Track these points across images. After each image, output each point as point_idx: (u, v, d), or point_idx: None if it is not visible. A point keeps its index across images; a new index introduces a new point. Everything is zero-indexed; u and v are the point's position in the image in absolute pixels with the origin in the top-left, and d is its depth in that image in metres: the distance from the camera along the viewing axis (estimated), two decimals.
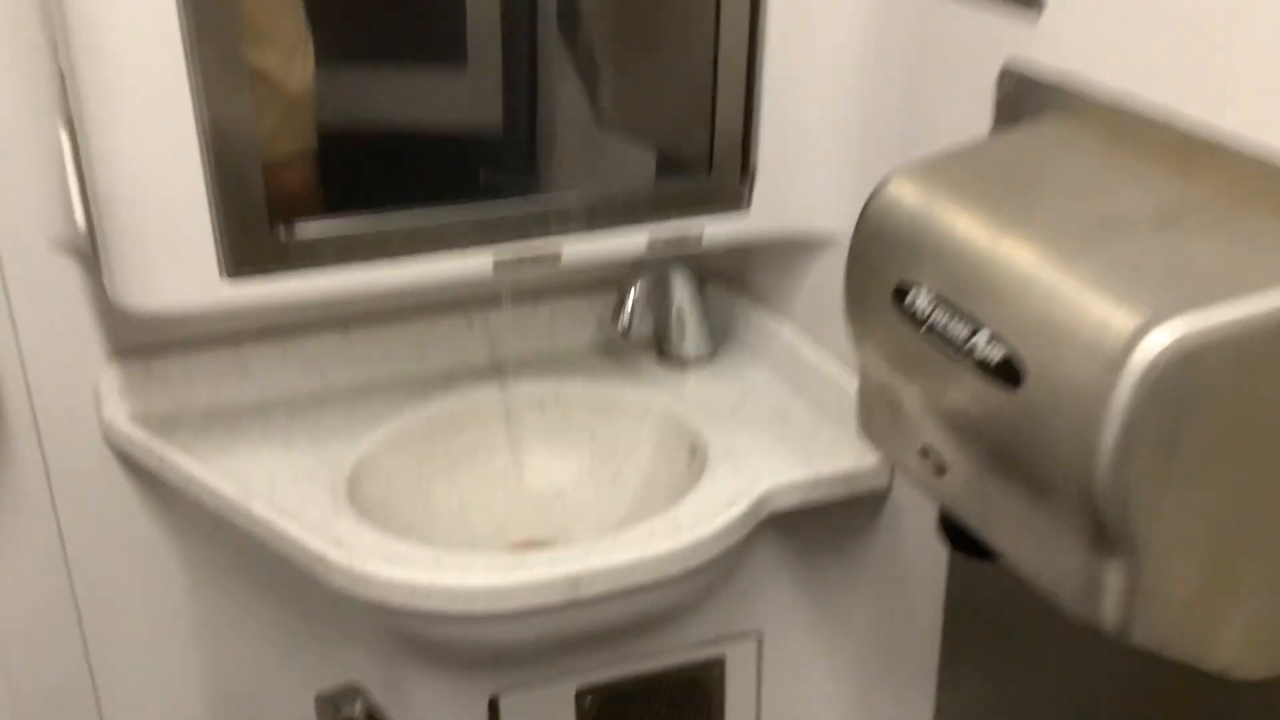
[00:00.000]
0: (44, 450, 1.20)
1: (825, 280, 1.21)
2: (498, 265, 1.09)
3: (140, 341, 1.20)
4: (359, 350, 1.27)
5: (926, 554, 1.13)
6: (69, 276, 1.16)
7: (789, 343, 1.26)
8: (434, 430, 1.25)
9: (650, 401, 1.28)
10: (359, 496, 1.14)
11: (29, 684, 1.25)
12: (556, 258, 1.11)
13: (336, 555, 1.02)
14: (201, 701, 1.33)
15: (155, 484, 1.21)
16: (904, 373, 0.84)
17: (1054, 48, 0.88)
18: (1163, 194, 0.78)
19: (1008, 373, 0.72)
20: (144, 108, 0.96)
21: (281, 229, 1.02)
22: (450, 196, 1.08)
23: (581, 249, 1.12)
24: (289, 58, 1.04)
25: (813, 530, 1.24)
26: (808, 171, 1.14)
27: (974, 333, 0.75)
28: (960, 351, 0.76)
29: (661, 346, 1.34)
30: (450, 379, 1.29)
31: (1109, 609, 0.72)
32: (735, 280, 1.36)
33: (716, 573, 1.10)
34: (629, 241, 1.13)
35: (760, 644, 1.27)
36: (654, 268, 1.27)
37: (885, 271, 0.83)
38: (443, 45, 1.13)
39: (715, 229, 1.15)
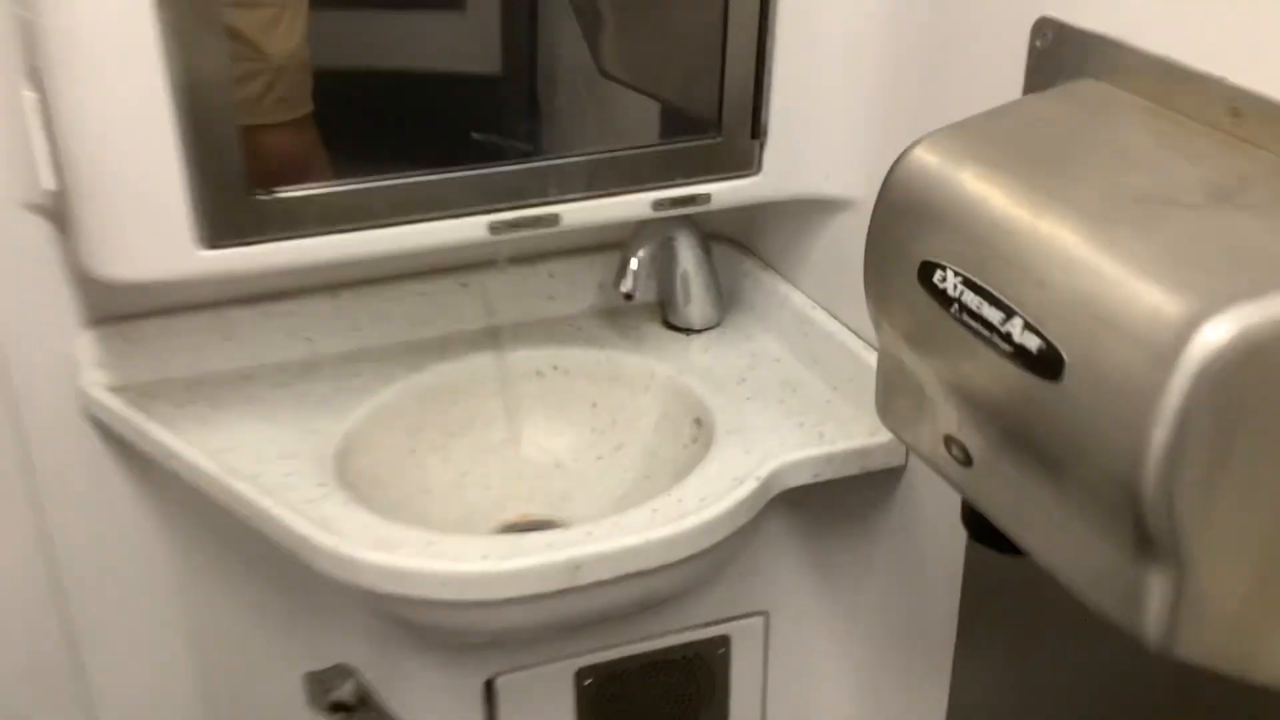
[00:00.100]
0: (18, 421, 1.15)
1: (840, 244, 1.14)
2: (493, 228, 1.03)
3: (118, 307, 1.14)
4: (348, 316, 1.21)
5: (943, 533, 1.08)
6: (40, 238, 1.09)
7: (800, 309, 1.20)
8: (427, 400, 1.20)
9: (654, 370, 1.22)
10: (348, 472, 1.09)
11: (7, 663, 1.21)
12: (555, 220, 1.05)
13: (322, 539, 0.97)
14: (189, 679, 1.28)
15: (137, 455, 1.16)
16: (928, 356, 0.78)
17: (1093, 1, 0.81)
18: (1217, 165, 0.71)
19: (1045, 363, 0.66)
20: (109, 62, 0.90)
21: (261, 194, 0.96)
22: (442, 157, 1.01)
23: (582, 211, 1.05)
24: (273, 23, 0.98)
25: (823, 505, 1.19)
26: (823, 131, 1.07)
27: (1008, 318, 0.68)
28: (992, 337, 0.70)
29: (666, 312, 1.28)
30: (444, 346, 1.23)
31: (1151, 621, 0.67)
32: (743, 242, 1.30)
33: (723, 554, 1.05)
34: (632, 203, 1.06)
35: (767, 623, 1.22)
36: (659, 229, 1.20)
37: (910, 248, 0.76)
38: None
39: (724, 191, 1.08)
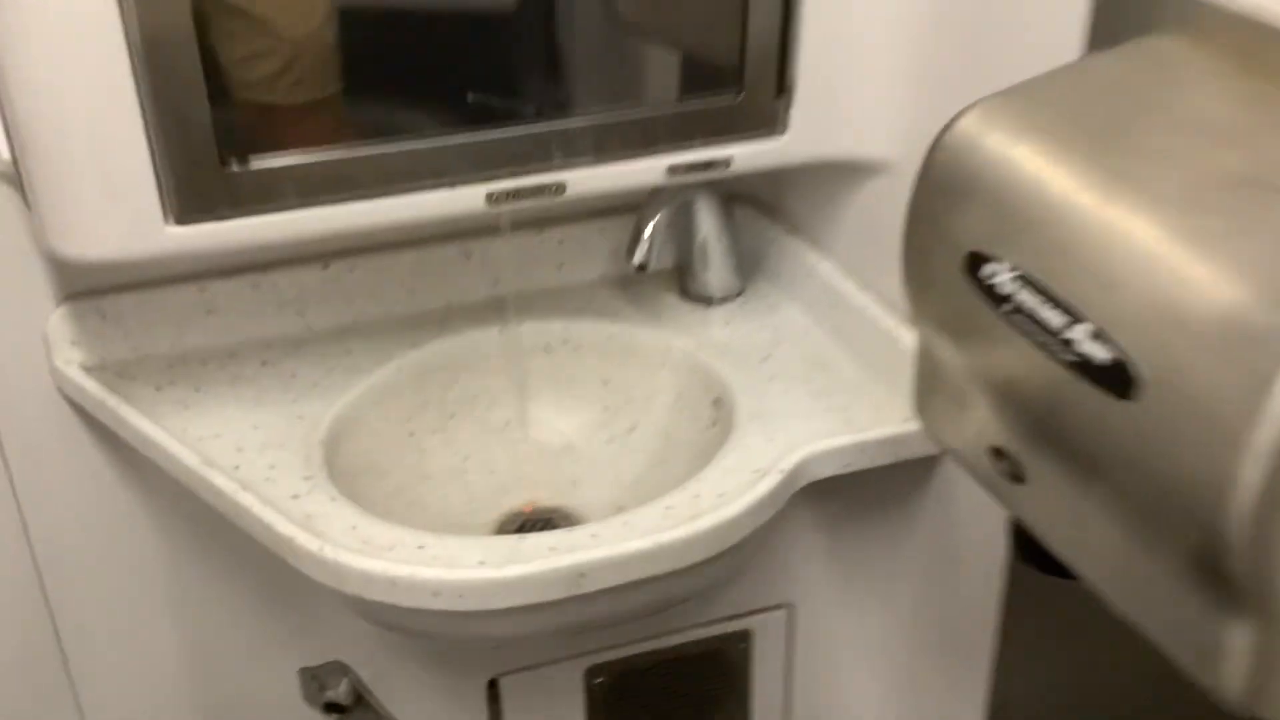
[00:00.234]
0: None
1: (874, 210, 1.04)
2: (491, 199, 0.94)
3: (92, 281, 1.06)
4: (340, 287, 1.13)
5: (985, 524, 0.99)
6: (10, 207, 1.01)
7: (828, 280, 1.10)
8: (426, 379, 1.11)
9: (670, 345, 1.13)
10: (339, 459, 1.01)
11: None
12: (560, 189, 0.95)
13: (305, 540, 0.89)
14: (179, 673, 1.21)
15: (119, 438, 1.08)
16: (973, 358, 0.68)
17: None
18: None
19: (1115, 378, 0.57)
20: (62, 20, 0.80)
21: (234, 165, 0.87)
22: (435, 121, 0.92)
23: (590, 180, 0.95)
24: (288, 1, 0.89)
25: (853, 491, 1.09)
26: (856, 89, 0.97)
27: (1071, 323, 0.59)
28: (1050, 343, 0.60)
29: (684, 280, 1.19)
30: (444, 319, 1.14)
31: (1231, 675, 0.58)
32: (768, 204, 1.20)
33: (743, 555, 0.96)
34: (645, 169, 0.97)
35: (791, 616, 1.14)
36: (675, 192, 1.10)
37: (955, 235, 0.67)
38: None
39: (746, 155, 0.98)
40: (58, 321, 1.06)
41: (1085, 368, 0.58)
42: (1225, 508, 0.52)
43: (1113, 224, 0.58)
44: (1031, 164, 0.63)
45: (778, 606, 1.13)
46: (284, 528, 0.90)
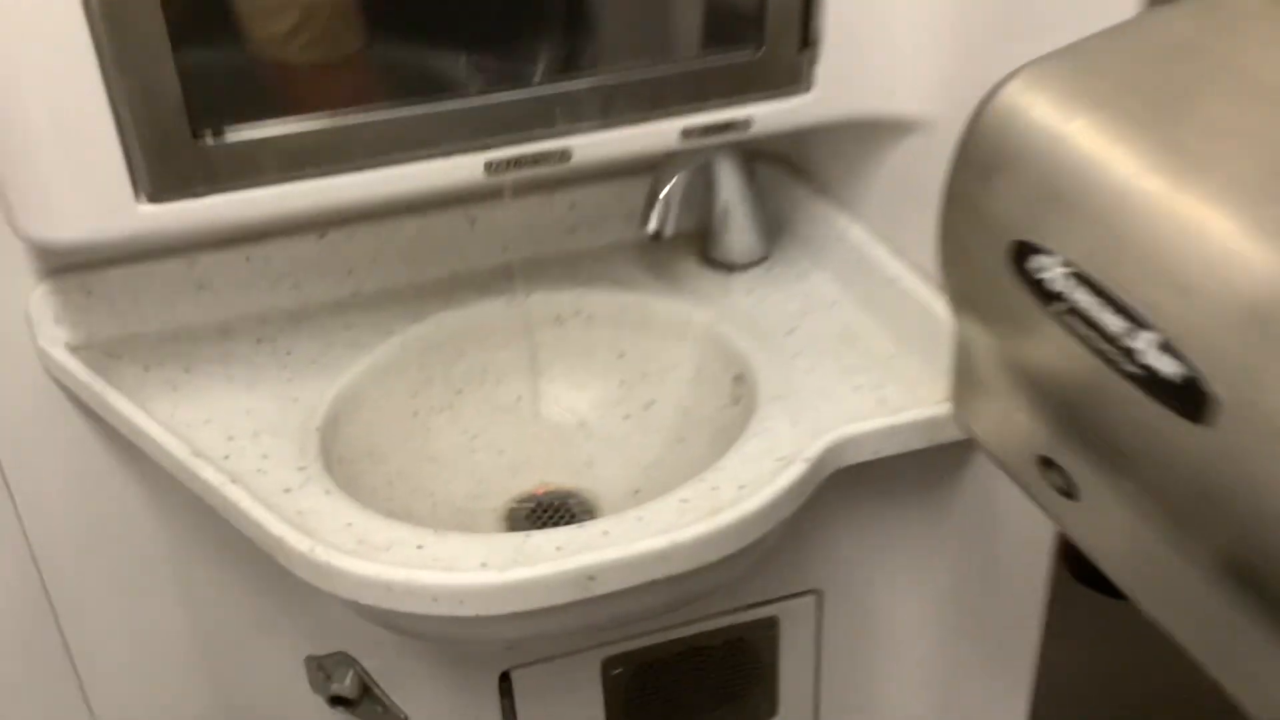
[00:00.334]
0: None
1: (908, 172, 0.96)
2: (491, 169, 0.87)
3: (76, 255, 0.99)
4: (338, 258, 1.06)
5: (1028, 509, 0.92)
6: None
7: (858, 246, 1.02)
8: (430, 353, 1.05)
9: (690, 316, 1.05)
10: (338, 443, 0.95)
11: None
12: (565, 156, 0.88)
13: (295, 541, 0.83)
14: (183, 658, 1.17)
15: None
16: (1021, 358, 0.61)
17: None
18: None
19: (1187, 398, 0.49)
20: None
21: (207, 137, 0.80)
22: (428, 85, 0.84)
23: (596, 145, 0.88)
24: None
25: (886, 472, 1.02)
26: (888, 41, 0.88)
27: (1135, 330, 0.51)
28: (1111, 351, 0.53)
29: (704, 245, 1.11)
30: (449, 290, 1.07)
31: None
32: (794, 164, 1.12)
33: (766, 548, 0.90)
34: (657, 133, 0.89)
35: (820, 603, 1.08)
36: (693, 153, 1.02)
37: (1000, 221, 0.59)
38: None
39: (767, 115, 0.90)
40: (40, 299, 1.00)
41: (1150, 382, 0.51)
42: None
43: (1183, 215, 0.51)
44: (1087, 141, 0.55)
45: (806, 593, 1.07)
46: (274, 527, 0.84)
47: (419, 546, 0.83)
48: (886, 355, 0.99)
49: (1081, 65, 0.59)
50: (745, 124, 0.90)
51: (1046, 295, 0.56)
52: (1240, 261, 0.48)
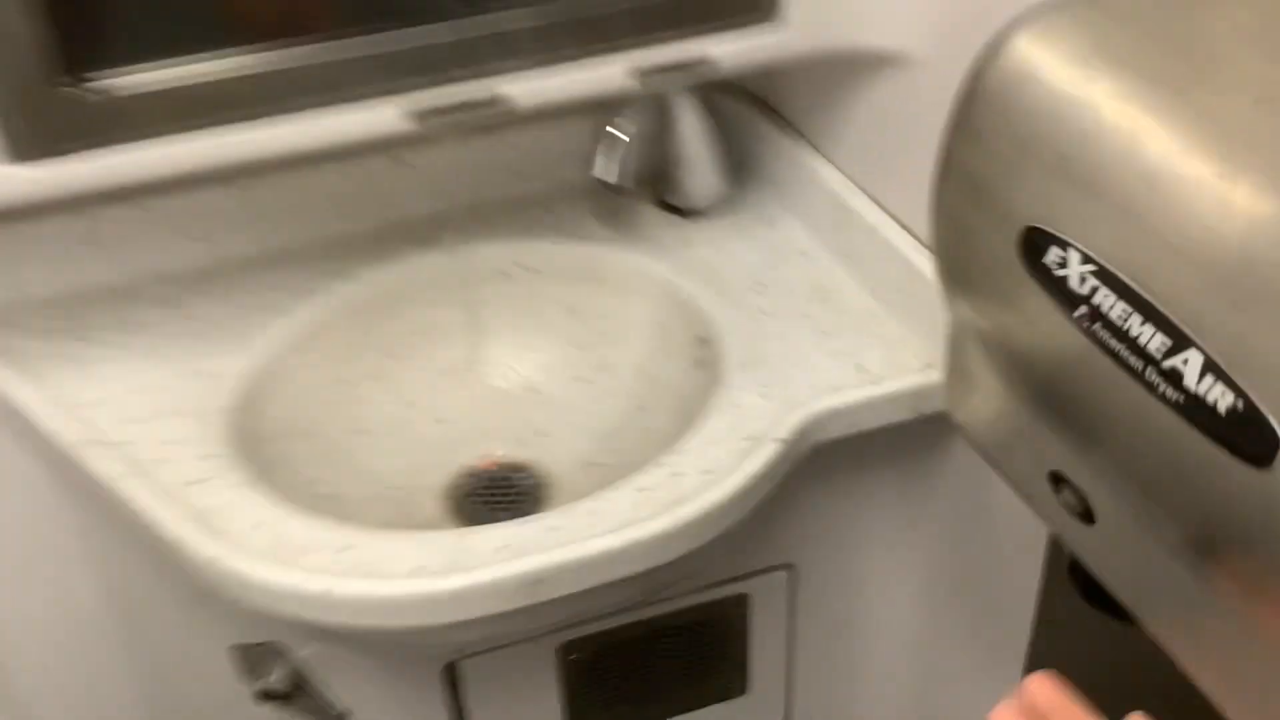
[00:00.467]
0: None
1: (887, 110, 0.85)
2: (412, 117, 0.75)
3: None
4: (251, 208, 0.94)
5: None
6: None
7: (834, 192, 0.92)
8: (360, 314, 0.94)
9: (647, 270, 0.95)
10: (254, 420, 0.85)
11: None
12: (497, 101, 0.77)
13: (198, 545, 0.73)
14: (111, 652, 1.07)
15: None
16: (1032, 364, 0.51)
17: None
18: None
19: (1241, 434, 0.40)
20: None
21: (69, 84, 0.68)
22: (337, 20, 0.72)
23: (534, 89, 0.77)
24: None
25: (862, 439, 0.94)
26: None
27: (1177, 348, 0.42)
28: (1147, 371, 0.43)
29: (661, 188, 1.00)
30: (378, 242, 0.96)
31: None
32: (761, 96, 1.01)
33: (734, 534, 0.81)
34: (605, 74, 0.78)
35: (792, 578, 1.00)
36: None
37: (1006, 201, 0.49)
38: None
39: (732, 52, 0.79)
40: None
41: (1195, 412, 0.41)
42: None
43: (1235, 209, 0.41)
44: (1110, 110, 0.45)
45: (778, 568, 0.99)
46: (177, 528, 0.75)
47: (344, 548, 0.74)
48: (864, 314, 0.89)
49: (1097, 11, 0.49)
50: (705, 63, 0.79)
51: (1067, 296, 0.46)
52: None
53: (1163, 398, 0.42)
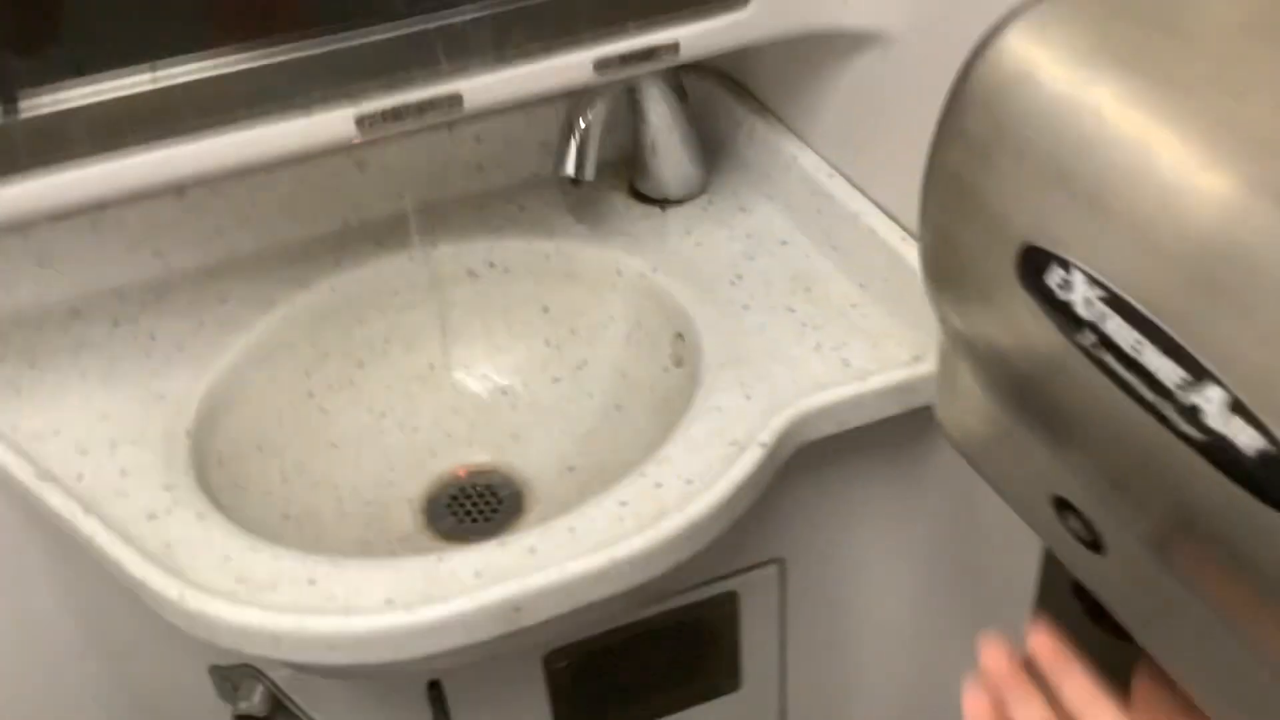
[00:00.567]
0: None
1: (867, 92, 0.81)
2: (364, 124, 0.71)
3: None
4: (204, 218, 0.90)
5: None
6: None
7: (812, 176, 0.88)
8: (323, 323, 0.90)
9: (620, 265, 0.91)
10: (216, 442, 0.81)
11: None
12: (454, 102, 0.72)
13: (161, 585, 0.70)
14: (93, 685, 1.03)
15: None
16: (1031, 389, 0.48)
17: None
18: None
19: (1265, 475, 0.37)
20: None
21: (9, 107, 0.64)
22: (277, 25, 0.68)
23: (492, 87, 0.72)
24: None
25: (852, 429, 0.91)
26: None
27: (1195, 381, 0.39)
28: (1161, 404, 0.40)
29: (632, 177, 0.97)
30: (339, 247, 0.92)
31: None
32: (735, 78, 0.97)
33: (719, 544, 0.78)
34: (566, 68, 0.74)
35: (782, 573, 0.97)
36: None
37: (1002, 216, 0.45)
38: None
39: (697, 36, 0.75)
40: None
41: (1216, 450, 0.38)
42: None
43: (1260, 227, 0.37)
44: (1116, 117, 0.42)
45: (767, 563, 0.96)
46: (136, 567, 0.71)
47: (311, 581, 0.70)
48: (847, 305, 0.85)
49: (1097, 2, 0.45)
50: (671, 49, 0.75)
51: (1070, 319, 0.42)
52: None
53: (1181, 435, 0.39)
